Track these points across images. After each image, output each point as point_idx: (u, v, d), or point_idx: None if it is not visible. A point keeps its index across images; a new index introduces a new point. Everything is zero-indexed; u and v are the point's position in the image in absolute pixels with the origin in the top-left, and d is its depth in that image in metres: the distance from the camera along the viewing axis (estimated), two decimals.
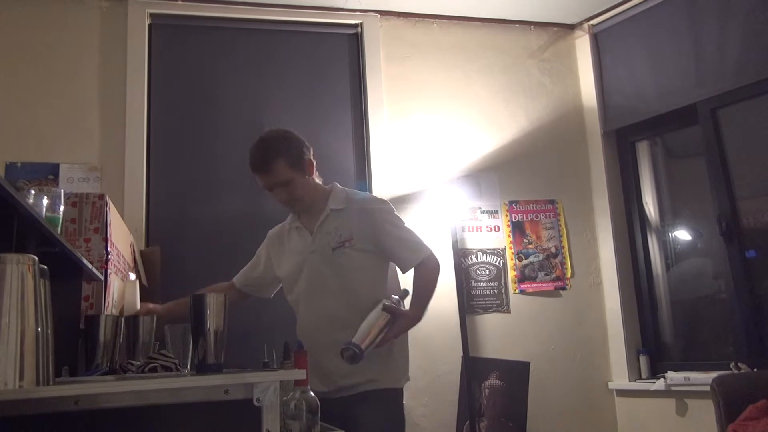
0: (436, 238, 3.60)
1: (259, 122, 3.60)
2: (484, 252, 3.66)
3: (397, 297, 2.08)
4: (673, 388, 3.33)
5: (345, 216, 2.12)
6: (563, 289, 3.75)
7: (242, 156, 3.54)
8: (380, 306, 1.99)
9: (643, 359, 3.61)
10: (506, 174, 3.79)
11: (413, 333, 3.49)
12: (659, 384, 3.39)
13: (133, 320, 1.90)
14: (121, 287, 2.39)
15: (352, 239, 2.08)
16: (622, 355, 3.64)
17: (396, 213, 2.26)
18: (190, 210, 3.42)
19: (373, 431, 2.00)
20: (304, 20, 3.72)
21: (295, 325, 3.35)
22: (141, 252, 3.05)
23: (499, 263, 3.67)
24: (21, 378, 1.00)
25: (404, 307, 2.10)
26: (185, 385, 1.29)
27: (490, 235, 3.70)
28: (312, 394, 1.78)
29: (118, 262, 2.38)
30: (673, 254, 3.77)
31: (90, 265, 1.90)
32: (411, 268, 2.13)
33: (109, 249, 2.14)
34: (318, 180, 2.24)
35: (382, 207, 2.18)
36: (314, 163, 2.21)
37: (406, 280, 2.28)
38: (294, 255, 2.18)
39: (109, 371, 1.76)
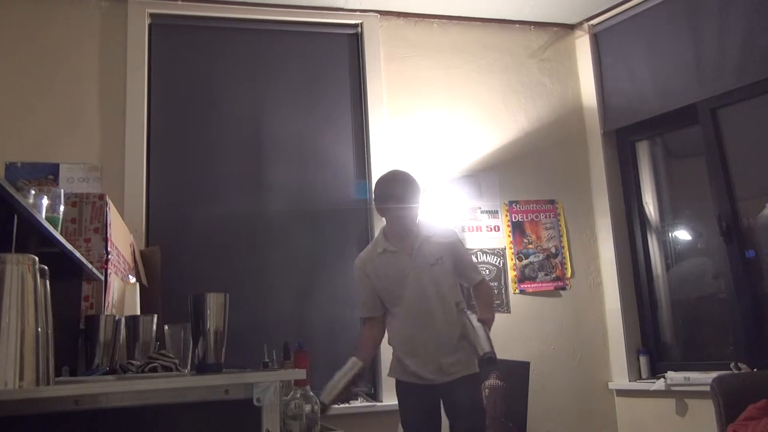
0: None
1: (259, 122, 3.61)
2: (484, 252, 3.66)
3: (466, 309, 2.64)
4: (673, 388, 3.33)
5: (434, 241, 2.66)
6: (563, 289, 3.75)
7: (242, 156, 3.57)
8: (475, 319, 2.51)
9: (643, 359, 3.61)
10: (506, 174, 3.79)
11: None
12: (659, 384, 3.39)
13: (133, 320, 1.90)
14: (121, 287, 2.39)
15: (442, 258, 2.62)
16: (622, 355, 3.64)
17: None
18: (190, 210, 3.42)
19: (477, 403, 2.63)
20: (304, 20, 3.72)
21: (294, 325, 3.36)
22: (141, 252, 3.05)
23: (499, 263, 3.67)
24: (21, 378, 1.00)
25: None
26: (185, 385, 1.29)
27: (490, 235, 3.70)
28: (311, 393, 1.79)
29: (118, 262, 2.38)
30: (673, 254, 3.77)
31: (90, 265, 1.90)
32: (474, 284, 2.71)
33: (109, 249, 2.14)
34: None
35: (457, 237, 2.79)
36: None
37: None
38: (395, 271, 2.63)
39: (109, 371, 1.76)
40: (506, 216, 3.74)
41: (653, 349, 3.65)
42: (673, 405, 3.38)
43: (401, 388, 2.70)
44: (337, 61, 3.78)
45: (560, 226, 3.81)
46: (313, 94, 3.70)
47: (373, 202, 2.71)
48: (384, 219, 2.69)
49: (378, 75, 3.74)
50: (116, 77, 3.40)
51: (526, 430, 3.25)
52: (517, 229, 3.74)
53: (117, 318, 1.91)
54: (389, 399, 3.37)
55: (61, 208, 1.82)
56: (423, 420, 2.64)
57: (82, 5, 3.44)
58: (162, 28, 3.57)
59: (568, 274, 3.76)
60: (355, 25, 3.81)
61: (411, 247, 2.64)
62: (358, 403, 3.35)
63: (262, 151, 3.57)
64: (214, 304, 1.44)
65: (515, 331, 3.60)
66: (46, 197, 1.72)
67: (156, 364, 1.52)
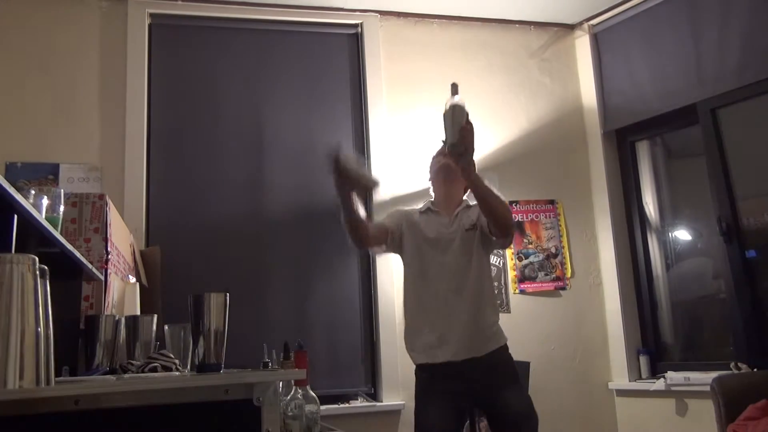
0: None
1: (259, 122, 3.61)
2: None
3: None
4: (673, 388, 3.34)
5: (474, 210, 2.57)
6: (563, 289, 3.75)
7: (242, 156, 3.57)
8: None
9: (643, 359, 3.61)
10: (506, 174, 3.79)
11: None
12: (659, 384, 3.39)
13: (133, 320, 1.90)
14: (121, 287, 2.39)
15: (475, 224, 2.52)
16: (622, 355, 3.64)
17: None
18: (190, 210, 3.42)
19: (516, 378, 2.51)
20: (304, 20, 3.72)
21: (294, 325, 3.36)
22: (141, 252, 3.05)
23: (499, 263, 3.67)
24: (21, 378, 1.00)
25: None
26: (185, 385, 1.29)
27: None
28: (312, 393, 1.79)
29: (118, 262, 2.38)
30: (673, 254, 3.77)
31: (90, 265, 1.90)
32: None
33: (109, 249, 2.14)
34: None
35: None
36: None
37: None
38: (433, 231, 2.55)
39: (109, 371, 1.76)
40: None
41: (653, 349, 3.65)
42: (673, 405, 3.38)
43: (420, 374, 2.44)
44: (337, 61, 3.78)
45: (560, 226, 3.81)
46: (313, 94, 3.70)
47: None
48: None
49: (378, 75, 3.74)
50: (116, 77, 3.40)
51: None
52: (517, 229, 3.73)
53: (117, 318, 1.91)
54: (389, 399, 3.37)
55: (61, 208, 1.82)
56: (440, 413, 2.34)
57: (82, 5, 3.44)
58: (162, 28, 3.57)
59: (568, 274, 3.76)
60: (355, 25, 3.81)
61: (452, 212, 2.59)
62: (358, 403, 3.35)
63: (262, 150, 3.57)
64: (214, 304, 1.44)
65: (515, 331, 3.57)
66: (46, 197, 1.72)
67: (156, 364, 1.52)
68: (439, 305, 2.42)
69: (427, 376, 2.43)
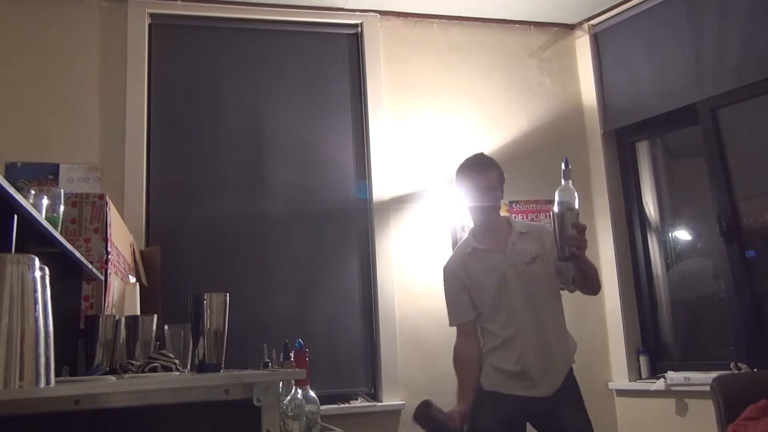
0: (436, 238, 3.60)
1: (259, 122, 3.61)
2: None
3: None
4: (673, 388, 3.33)
5: (529, 239, 2.46)
6: (563, 289, 3.74)
7: (242, 156, 3.58)
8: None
9: (643, 359, 3.61)
10: (506, 174, 3.77)
11: (414, 333, 3.50)
12: (659, 384, 3.39)
13: (133, 320, 1.90)
14: (121, 287, 2.39)
15: (538, 257, 2.42)
16: (622, 355, 3.64)
17: None
18: (190, 210, 3.42)
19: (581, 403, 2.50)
20: (304, 20, 3.72)
21: (294, 325, 3.36)
22: (141, 252, 3.05)
23: None
24: (21, 378, 1.00)
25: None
26: (185, 385, 1.29)
27: None
28: (312, 393, 1.79)
29: (118, 262, 2.38)
30: (673, 254, 3.76)
31: (90, 265, 1.90)
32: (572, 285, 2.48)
33: (109, 249, 2.14)
34: None
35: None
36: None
37: None
38: (488, 272, 2.42)
39: (109, 371, 1.76)
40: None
41: (653, 349, 3.65)
42: (673, 405, 3.38)
43: (488, 398, 2.41)
44: (337, 61, 3.78)
45: None
46: (313, 94, 3.70)
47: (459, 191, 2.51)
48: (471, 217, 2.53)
49: (378, 75, 3.74)
50: (116, 77, 3.40)
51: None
52: None
53: (117, 318, 1.91)
54: (389, 399, 3.37)
55: (61, 208, 1.82)
56: (501, 424, 2.35)
57: (82, 5, 3.44)
58: (162, 28, 3.57)
59: None
60: (355, 25, 3.81)
61: (503, 244, 2.44)
62: (358, 403, 3.35)
63: (262, 150, 3.58)
64: (214, 304, 1.44)
65: None
66: (46, 197, 1.72)
67: (156, 364, 1.52)
68: (515, 342, 2.37)
69: (496, 395, 2.40)
